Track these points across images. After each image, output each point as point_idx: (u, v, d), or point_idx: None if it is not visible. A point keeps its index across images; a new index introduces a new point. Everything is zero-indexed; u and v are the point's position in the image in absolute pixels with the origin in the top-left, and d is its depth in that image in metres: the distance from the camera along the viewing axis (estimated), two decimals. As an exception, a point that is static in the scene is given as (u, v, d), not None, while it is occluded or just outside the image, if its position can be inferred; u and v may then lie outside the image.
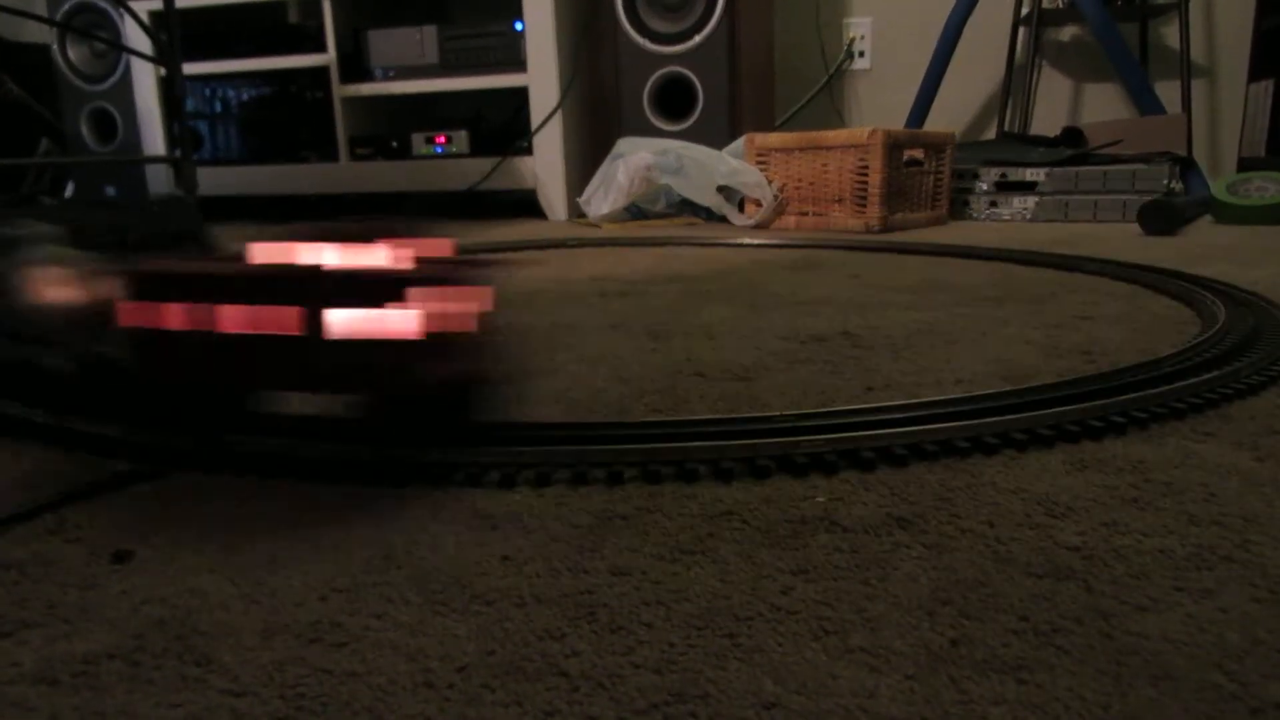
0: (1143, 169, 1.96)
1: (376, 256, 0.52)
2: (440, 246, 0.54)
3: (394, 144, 2.48)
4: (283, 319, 0.48)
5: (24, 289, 0.55)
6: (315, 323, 0.48)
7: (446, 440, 0.53)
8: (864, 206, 1.89)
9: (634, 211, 2.14)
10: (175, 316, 0.50)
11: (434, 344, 0.49)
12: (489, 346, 0.53)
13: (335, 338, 0.48)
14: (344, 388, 0.52)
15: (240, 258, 0.53)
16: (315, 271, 0.49)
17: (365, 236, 0.52)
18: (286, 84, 2.58)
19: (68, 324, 0.57)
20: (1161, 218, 1.71)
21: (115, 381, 0.56)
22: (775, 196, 1.98)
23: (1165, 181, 1.94)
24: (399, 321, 0.48)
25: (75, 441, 0.58)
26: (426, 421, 0.53)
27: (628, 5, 2.25)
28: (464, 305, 0.50)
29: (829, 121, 2.72)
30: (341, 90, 2.47)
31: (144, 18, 1.69)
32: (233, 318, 0.49)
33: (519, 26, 2.30)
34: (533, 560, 0.42)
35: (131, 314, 0.51)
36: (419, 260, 0.52)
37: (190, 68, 2.51)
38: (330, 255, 0.52)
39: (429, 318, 0.49)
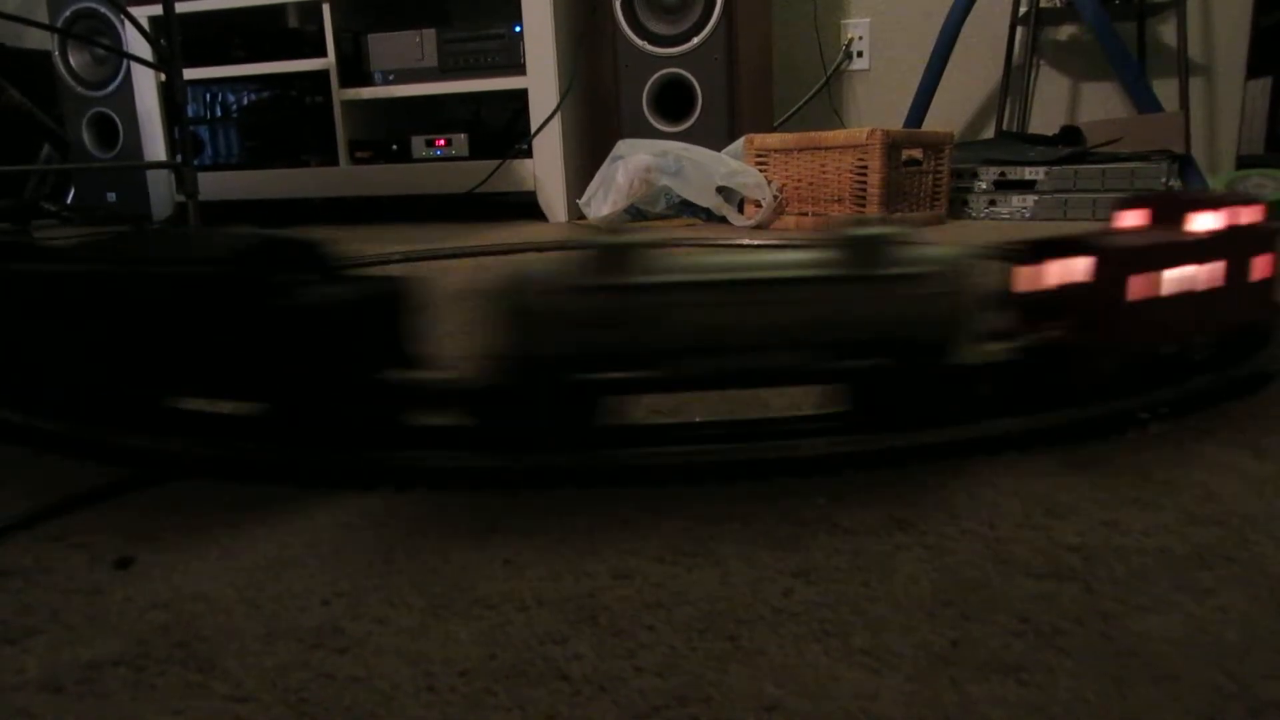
0: (1141, 167, 1.96)
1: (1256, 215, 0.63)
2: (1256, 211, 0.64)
3: (394, 147, 2.48)
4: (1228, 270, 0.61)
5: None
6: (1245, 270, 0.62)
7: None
8: (863, 206, 1.89)
9: (634, 213, 2.14)
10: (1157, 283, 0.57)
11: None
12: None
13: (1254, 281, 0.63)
14: (1243, 320, 0.65)
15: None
16: (1254, 228, 0.62)
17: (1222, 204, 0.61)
18: (286, 88, 2.58)
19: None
20: (1161, 216, 1.71)
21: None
22: (775, 197, 1.98)
23: (1163, 179, 1.94)
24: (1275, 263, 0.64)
25: (76, 448, 0.58)
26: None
27: (626, 8, 2.26)
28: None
29: (827, 122, 2.72)
30: (341, 94, 2.47)
31: (144, 24, 1.70)
32: (1205, 275, 0.59)
33: (518, 29, 2.31)
34: (534, 564, 0.42)
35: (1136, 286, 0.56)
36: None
37: (191, 73, 2.52)
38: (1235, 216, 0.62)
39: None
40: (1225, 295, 0.62)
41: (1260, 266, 0.64)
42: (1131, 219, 0.64)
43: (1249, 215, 0.62)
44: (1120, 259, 0.55)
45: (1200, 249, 0.59)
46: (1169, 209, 0.61)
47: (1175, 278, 0.58)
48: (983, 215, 2.12)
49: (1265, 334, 0.68)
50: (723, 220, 2.05)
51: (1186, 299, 0.59)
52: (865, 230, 0.51)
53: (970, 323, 0.53)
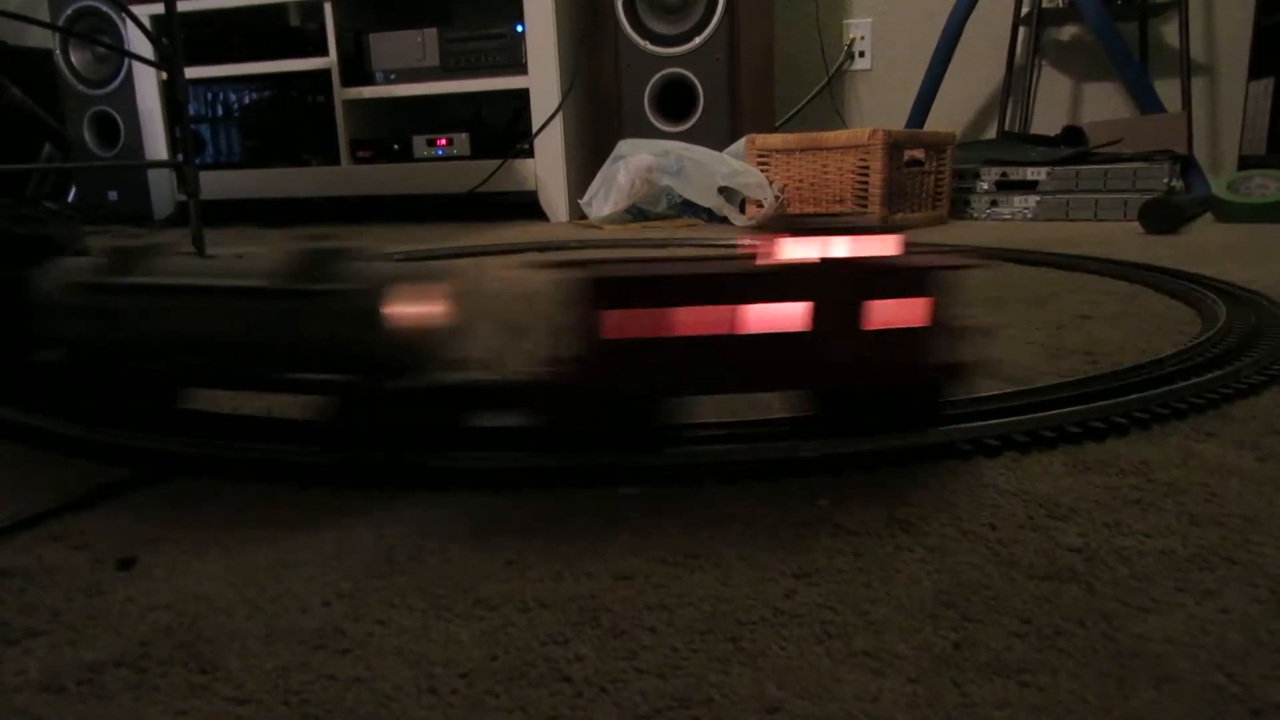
0: (1143, 167, 1.96)
1: (890, 248, 0.52)
2: (893, 242, 0.53)
3: (395, 147, 2.48)
4: (814, 313, 0.49)
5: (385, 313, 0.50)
6: (852, 316, 0.49)
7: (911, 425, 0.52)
8: (865, 207, 1.89)
9: (635, 213, 2.14)
10: (669, 322, 0.49)
11: (944, 332, 0.51)
12: (963, 335, 0.53)
13: (874, 329, 0.50)
14: (862, 380, 0.52)
15: (745, 258, 0.52)
16: (857, 264, 0.50)
17: (852, 231, 0.52)
18: (288, 87, 2.58)
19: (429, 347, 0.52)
20: (1162, 216, 1.71)
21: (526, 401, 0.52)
22: (776, 197, 1.98)
23: (1166, 180, 1.94)
24: (922, 310, 0.50)
25: (77, 447, 0.58)
26: (894, 411, 0.53)
27: (628, 7, 2.25)
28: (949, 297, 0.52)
29: (829, 122, 2.72)
30: (343, 93, 2.47)
31: (146, 22, 1.70)
32: (757, 317, 0.49)
33: (520, 29, 2.31)
34: (535, 565, 0.42)
35: (616, 323, 0.49)
36: (923, 253, 0.53)
37: (192, 72, 2.52)
38: (842, 248, 0.51)
39: (940, 306, 0.51)
40: (813, 344, 0.50)
41: (886, 313, 0.50)
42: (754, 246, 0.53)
43: (867, 248, 0.51)
44: (598, 292, 0.48)
45: (745, 285, 0.49)
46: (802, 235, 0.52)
47: (699, 318, 0.49)
48: (985, 216, 2.12)
49: (931, 401, 0.54)
50: (724, 221, 2.05)
51: (721, 343, 0.49)
52: (319, 245, 0.51)
53: (398, 343, 0.50)
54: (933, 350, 0.51)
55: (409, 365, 0.51)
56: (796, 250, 0.51)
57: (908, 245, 0.53)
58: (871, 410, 0.53)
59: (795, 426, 0.55)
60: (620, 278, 0.48)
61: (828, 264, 0.50)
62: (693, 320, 0.49)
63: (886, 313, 0.50)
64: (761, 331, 0.49)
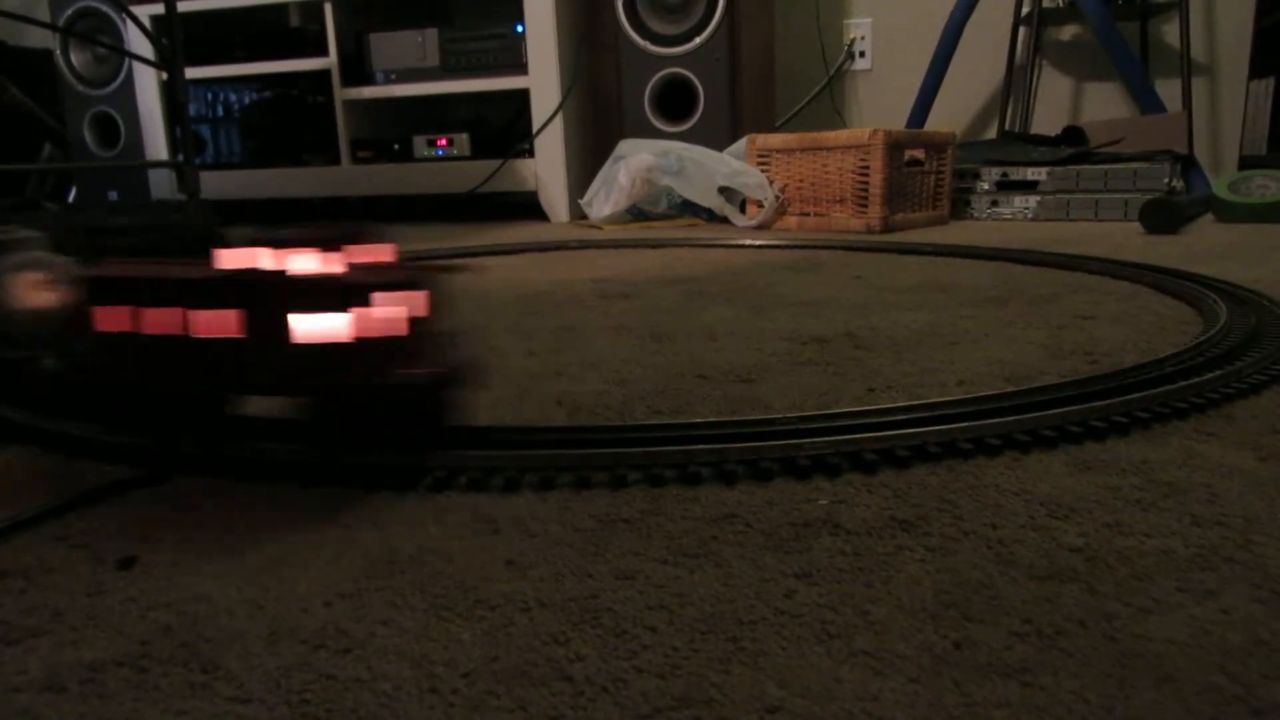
0: (1144, 167, 1.96)
1: (331, 262, 0.53)
2: (383, 251, 0.54)
3: (396, 147, 2.48)
4: (242, 322, 0.50)
5: (6, 292, 0.59)
6: (276, 327, 0.50)
7: (405, 444, 0.54)
8: (865, 207, 1.89)
9: (635, 213, 2.14)
10: (140, 320, 0.52)
11: (389, 346, 0.51)
12: (440, 349, 0.53)
13: (296, 342, 0.49)
14: (303, 391, 0.53)
15: (203, 262, 0.54)
16: (277, 276, 0.50)
17: (318, 242, 0.52)
18: (288, 87, 2.58)
19: (46, 327, 0.61)
20: (1163, 216, 1.71)
21: (93, 385, 0.58)
22: (776, 197, 1.98)
23: (1166, 180, 1.94)
24: (359, 324, 0.50)
25: (77, 446, 0.58)
26: (388, 425, 0.54)
27: (628, 7, 2.26)
28: (414, 308, 0.52)
29: (830, 122, 2.72)
30: (343, 93, 2.47)
31: (146, 22, 1.70)
32: (194, 321, 0.51)
33: (520, 29, 2.31)
34: (536, 565, 0.42)
35: (103, 318, 0.53)
36: (368, 265, 0.53)
37: (192, 72, 2.52)
38: (288, 261, 0.53)
39: (383, 321, 0.50)
40: (240, 351, 0.50)
41: (312, 326, 0.49)
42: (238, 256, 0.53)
43: (308, 261, 0.51)
44: (87, 288, 0.53)
45: (185, 291, 0.50)
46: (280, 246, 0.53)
47: (152, 319, 0.51)
48: (986, 216, 2.12)
49: (429, 417, 0.54)
50: (724, 220, 2.05)
51: (170, 345, 0.51)
52: None
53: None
54: (378, 366, 0.51)
55: (22, 341, 0.59)
56: (235, 260, 0.52)
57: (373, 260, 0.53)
58: (358, 423, 0.53)
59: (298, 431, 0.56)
60: (98, 276, 0.52)
61: (247, 275, 0.51)
62: (147, 321, 0.52)
63: (313, 325, 0.50)
64: (198, 336, 0.51)
